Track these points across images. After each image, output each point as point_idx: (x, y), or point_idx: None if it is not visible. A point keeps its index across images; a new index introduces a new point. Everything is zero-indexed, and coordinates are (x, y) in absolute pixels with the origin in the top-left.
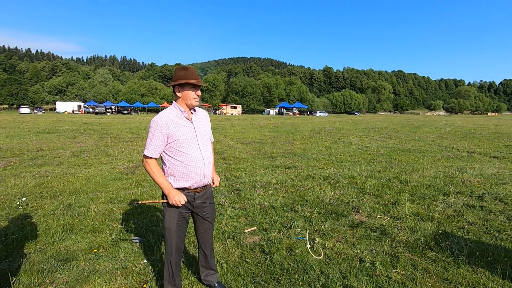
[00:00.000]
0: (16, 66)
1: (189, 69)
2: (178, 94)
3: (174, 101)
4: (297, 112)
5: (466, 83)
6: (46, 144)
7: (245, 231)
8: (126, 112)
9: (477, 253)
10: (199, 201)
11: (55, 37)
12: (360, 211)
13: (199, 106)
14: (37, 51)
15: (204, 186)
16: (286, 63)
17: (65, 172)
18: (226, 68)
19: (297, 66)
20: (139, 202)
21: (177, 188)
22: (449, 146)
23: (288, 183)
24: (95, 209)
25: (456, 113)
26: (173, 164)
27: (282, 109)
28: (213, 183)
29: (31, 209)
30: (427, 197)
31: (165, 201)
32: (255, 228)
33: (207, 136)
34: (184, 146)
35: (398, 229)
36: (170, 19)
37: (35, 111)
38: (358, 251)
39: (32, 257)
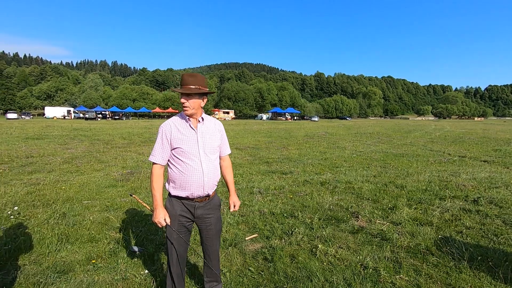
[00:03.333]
0: (3, 71)
1: (182, 77)
2: None
3: None
4: (289, 117)
5: (453, 88)
6: (36, 150)
7: (246, 238)
8: (117, 117)
9: (478, 257)
10: (200, 212)
11: (43, 41)
12: (360, 216)
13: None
14: (25, 55)
15: (205, 196)
16: (278, 68)
17: (57, 180)
18: (218, 74)
19: (289, 71)
20: (134, 196)
21: (175, 196)
22: (441, 151)
23: (286, 188)
24: (91, 218)
25: (444, 118)
26: (173, 171)
27: (266, 115)
28: (234, 206)
29: (24, 218)
30: (423, 202)
31: (150, 211)
32: (256, 235)
33: (213, 147)
34: (184, 155)
35: (398, 234)
36: (162, 24)
37: (22, 116)
38: (361, 257)
39: (27, 269)
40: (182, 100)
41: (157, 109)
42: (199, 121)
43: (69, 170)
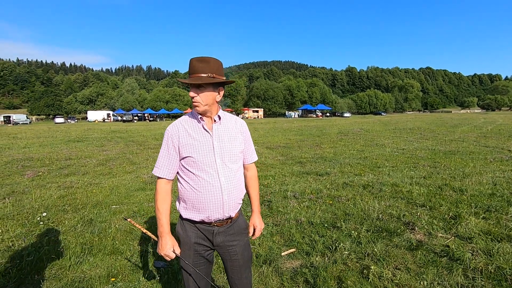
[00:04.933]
0: (52, 79)
1: (190, 62)
2: None
3: None
4: (320, 114)
5: (503, 77)
6: (75, 152)
7: (283, 253)
8: (152, 119)
9: None
10: (221, 239)
11: (87, 51)
12: (416, 228)
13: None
14: (71, 64)
15: (227, 219)
16: (307, 65)
17: (90, 182)
18: (247, 73)
19: (319, 67)
20: (128, 220)
21: (188, 220)
22: (498, 147)
23: (324, 193)
24: (117, 225)
25: (493, 110)
26: (184, 188)
27: (295, 113)
28: (253, 232)
29: (52, 224)
30: (493, 210)
31: (155, 238)
32: (293, 250)
33: (233, 153)
34: (196, 166)
35: (472, 254)
36: (192, 27)
37: (68, 120)
38: (426, 282)
39: (45, 286)
40: (192, 94)
41: (189, 110)
42: (214, 120)
43: (102, 173)
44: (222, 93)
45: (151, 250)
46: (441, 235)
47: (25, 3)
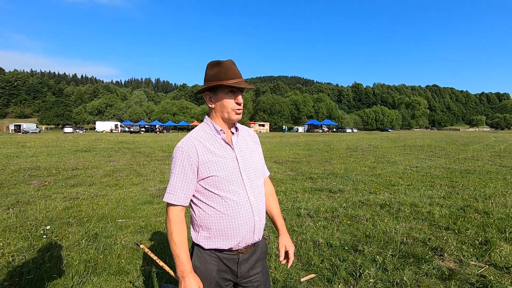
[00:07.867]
0: (64, 90)
1: (223, 64)
2: (210, 104)
3: (206, 116)
4: (326, 129)
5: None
6: (82, 162)
7: (302, 279)
8: (159, 131)
9: None
10: (246, 267)
11: (98, 62)
12: (445, 254)
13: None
14: (82, 75)
15: (253, 244)
16: (313, 80)
17: (96, 194)
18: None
19: (325, 83)
20: (141, 245)
21: (211, 249)
22: None
23: (340, 211)
24: (123, 241)
25: (503, 129)
26: (205, 213)
27: (291, 127)
28: (287, 257)
29: (55, 238)
30: None
31: (173, 274)
32: (313, 275)
33: (256, 167)
34: (220, 186)
35: None
36: (200, 42)
37: (77, 130)
38: None
39: None
40: (241, 99)
41: (195, 122)
42: (232, 132)
43: (108, 184)
44: None
45: (160, 271)
46: (473, 263)
47: (41, 16)
